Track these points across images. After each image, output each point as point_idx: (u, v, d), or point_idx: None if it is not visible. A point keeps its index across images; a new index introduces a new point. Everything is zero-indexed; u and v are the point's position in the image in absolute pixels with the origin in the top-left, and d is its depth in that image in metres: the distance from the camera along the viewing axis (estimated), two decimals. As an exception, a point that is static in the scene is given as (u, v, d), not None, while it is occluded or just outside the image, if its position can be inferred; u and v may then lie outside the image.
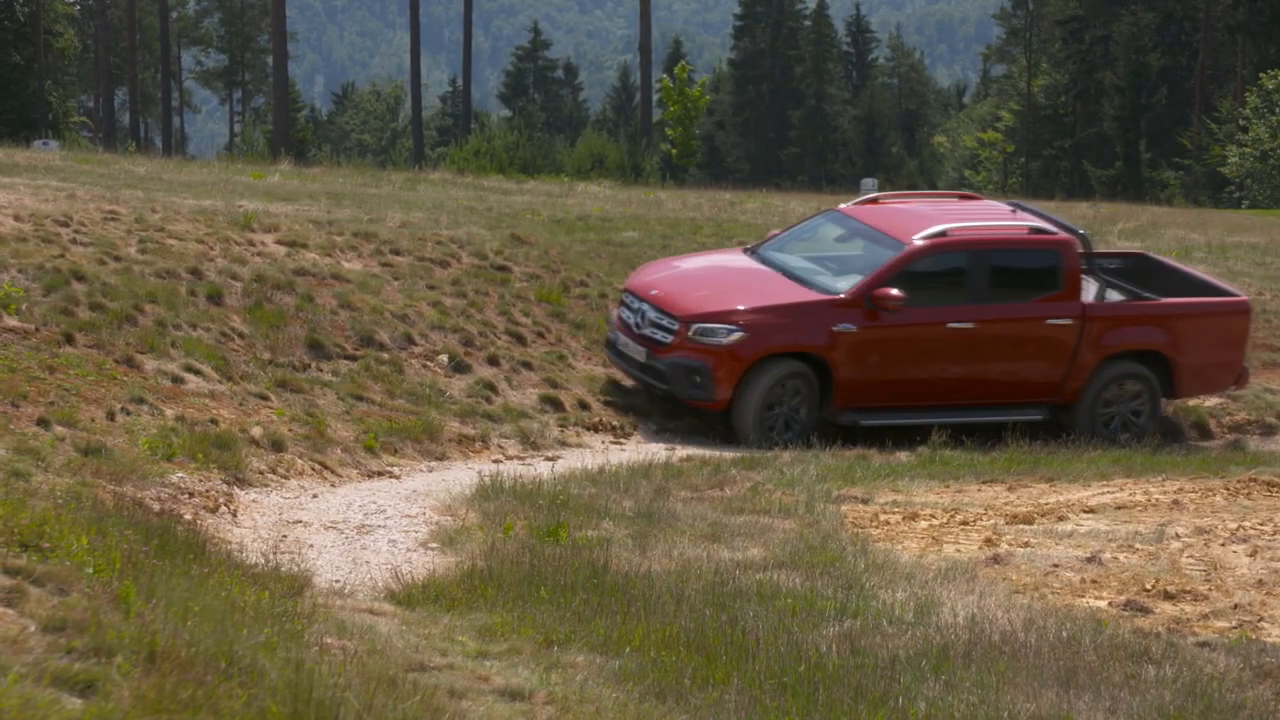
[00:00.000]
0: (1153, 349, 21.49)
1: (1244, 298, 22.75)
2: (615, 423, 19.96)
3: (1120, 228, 40.97)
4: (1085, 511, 15.61)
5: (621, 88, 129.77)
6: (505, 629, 10.58)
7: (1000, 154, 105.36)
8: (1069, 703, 9.77)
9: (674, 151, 69.01)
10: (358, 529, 13.92)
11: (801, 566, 12.81)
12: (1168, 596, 12.60)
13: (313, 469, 16.06)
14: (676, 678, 9.71)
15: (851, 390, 20.13)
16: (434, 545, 13.40)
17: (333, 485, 15.77)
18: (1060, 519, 15.21)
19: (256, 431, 16.26)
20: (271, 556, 11.90)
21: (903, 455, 19.45)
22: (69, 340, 17.12)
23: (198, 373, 17.69)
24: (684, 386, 19.91)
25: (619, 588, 11.61)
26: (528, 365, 20.65)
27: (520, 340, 21.36)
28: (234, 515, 13.80)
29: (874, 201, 22.15)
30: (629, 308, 20.75)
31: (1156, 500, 16.25)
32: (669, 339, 19.99)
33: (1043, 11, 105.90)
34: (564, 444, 18.99)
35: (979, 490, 16.80)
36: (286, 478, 15.55)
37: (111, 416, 15.14)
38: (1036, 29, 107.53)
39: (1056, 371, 21.04)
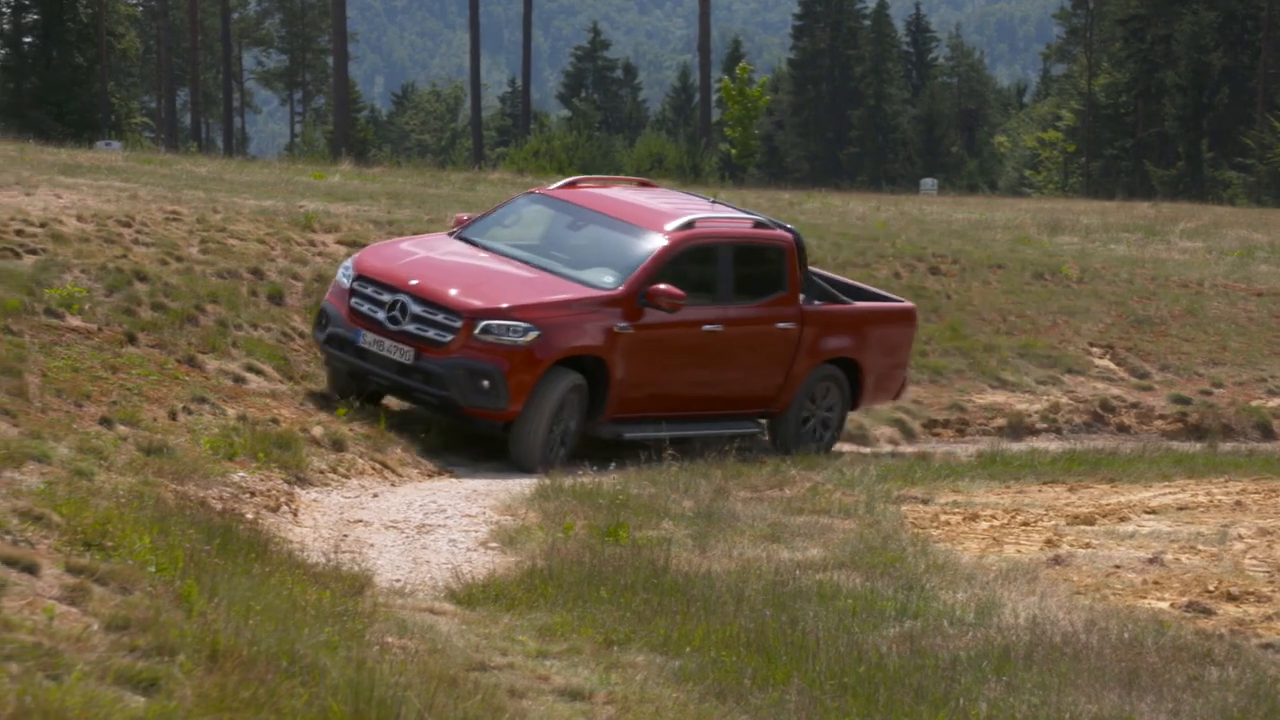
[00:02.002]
0: (847, 355, 19.94)
1: (911, 304, 21.46)
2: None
3: (1182, 228, 40.80)
4: (1147, 512, 15.54)
5: (681, 88, 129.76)
6: (565, 629, 10.59)
7: (1061, 154, 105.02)
8: (1131, 704, 9.72)
9: (733, 151, 68.96)
10: (418, 528, 13.95)
11: (862, 567, 12.78)
12: (1231, 598, 12.53)
13: (373, 468, 16.10)
14: (737, 678, 9.71)
15: (624, 399, 17.97)
16: (494, 545, 13.42)
17: (393, 485, 15.81)
18: (1122, 520, 15.14)
19: (317, 431, 16.31)
20: (332, 556, 11.94)
21: (962, 455, 19.39)
22: (131, 340, 17.20)
23: (259, 372, 17.76)
24: (467, 393, 17.01)
25: (679, 588, 11.61)
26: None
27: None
28: (295, 515, 13.85)
29: (573, 185, 19.81)
30: (371, 299, 17.54)
31: (1219, 501, 16.16)
32: (446, 337, 17.07)
33: (1104, 10, 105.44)
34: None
35: (1040, 491, 16.75)
36: (347, 477, 15.59)
37: (173, 416, 15.21)
38: (1097, 28, 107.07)
39: (778, 378, 19.33)
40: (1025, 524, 14.88)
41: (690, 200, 20.27)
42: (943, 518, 15.12)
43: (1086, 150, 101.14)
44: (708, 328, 18.56)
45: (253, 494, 13.76)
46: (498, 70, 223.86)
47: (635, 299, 17.91)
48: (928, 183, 71.96)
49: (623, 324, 17.76)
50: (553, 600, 11.27)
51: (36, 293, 17.32)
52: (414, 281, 17.42)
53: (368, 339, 17.37)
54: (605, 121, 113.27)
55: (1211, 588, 12.76)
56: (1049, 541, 14.13)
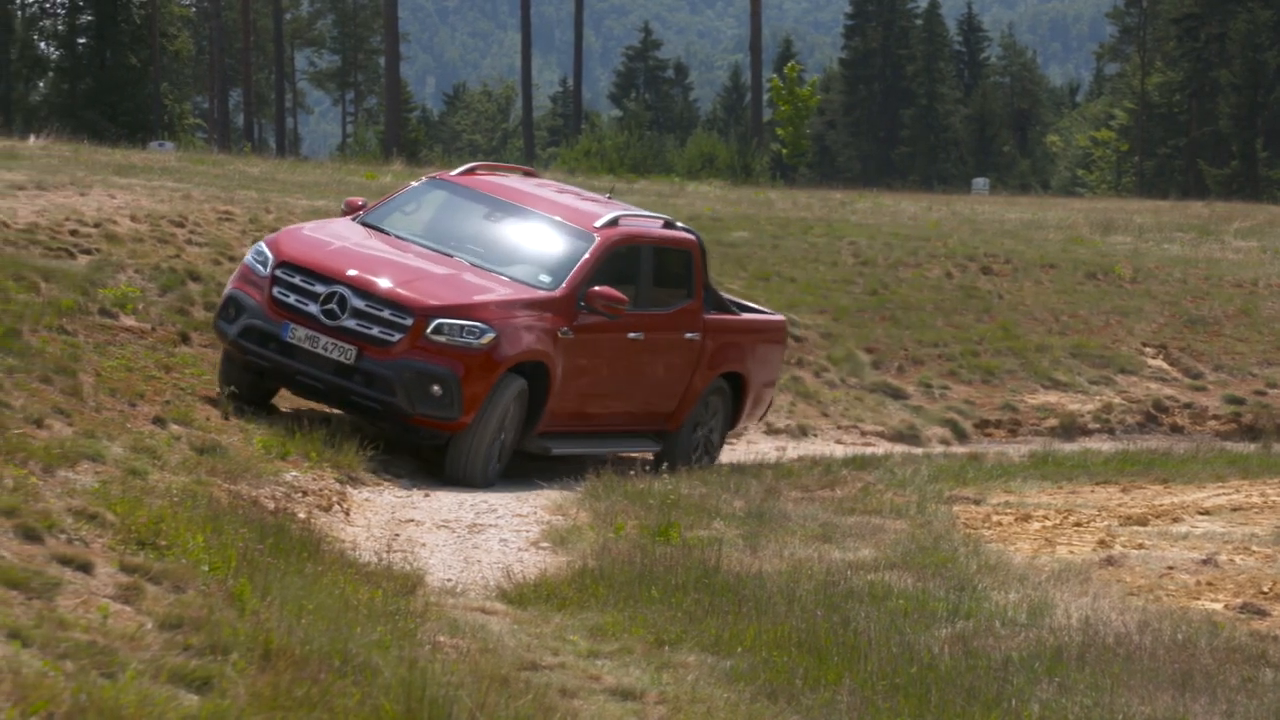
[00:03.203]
0: (735, 370, 18.47)
1: (783, 318, 20.13)
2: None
3: (1236, 227, 40.62)
4: (1200, 513, 15.46)
5: (732, 87, 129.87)
6: (616, 628, 10.59)
7: (1114, 153, 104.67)
8: (1185, 706, 9.67)
9: (784, 151, 68.96)
10: (469, 528, 13.96)
11: (913, 567, 12.75)
12: (1285, 599, 12.46)
13: (425, 468, 16.12)
14: (788, 678, 9.69)
15: (559, 410, 16.50)
16: (545, 544, 13.42)
17: (444, 484, 15.82)
18: (1175, 520, 15.07)
19: (369, 430, 16.33)
20: (384, 555, 11.96)
21: (1014, 456, 19.33)
22: (184, 340, 17.28)
23: (311, 372, 17.77)
24: (415, 399, 15.39)
25: (730, 588, 11.59)
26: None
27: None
28: (347, 514, 13.88)
29: (472, 173, 18.32)
30: (301, 290, 15.64)
31: (1273, 502, 16.08)
32: (394, 336, 15.34)
33: (1157, 9, 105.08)
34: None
35: (1092, 491, 16.69)
36: (399, 476, 15.62)
37: (226, 415, 15.26)
38: (1151, 27, 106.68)
39: (679, 392, 17.88)
40: (1078, 524, 14.83)
41: (589, 195, 18.69)
42: (995, 518, 15.07)
43: (1140, 149, 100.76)
44: (632, 335, 17.15)
45: (305, 493, 13.79)
46: (549, 70, 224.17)
47: (575, 301, 16.40)
48: (980, 182, 71.73)
49: (565, 329, 16.24)
50: (604, 600, 11.27)
51: (91, 292, 17.40)
52: (352, 272, 15.59)
53: (298, 334, 15.53)
54: (656, 121, 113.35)
55: (1266, 589, 12.69)
56: (1102, 542, 14.07)
